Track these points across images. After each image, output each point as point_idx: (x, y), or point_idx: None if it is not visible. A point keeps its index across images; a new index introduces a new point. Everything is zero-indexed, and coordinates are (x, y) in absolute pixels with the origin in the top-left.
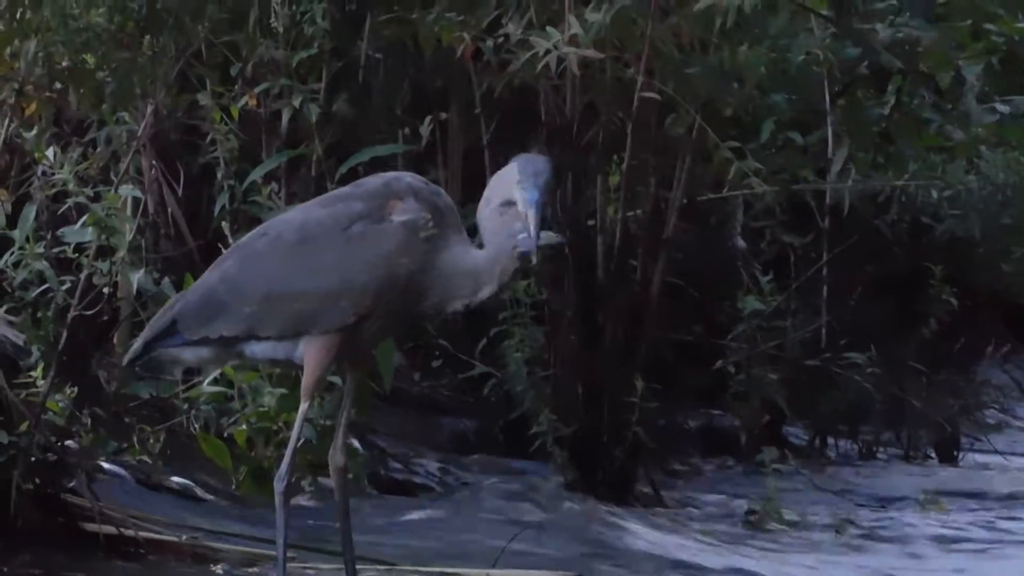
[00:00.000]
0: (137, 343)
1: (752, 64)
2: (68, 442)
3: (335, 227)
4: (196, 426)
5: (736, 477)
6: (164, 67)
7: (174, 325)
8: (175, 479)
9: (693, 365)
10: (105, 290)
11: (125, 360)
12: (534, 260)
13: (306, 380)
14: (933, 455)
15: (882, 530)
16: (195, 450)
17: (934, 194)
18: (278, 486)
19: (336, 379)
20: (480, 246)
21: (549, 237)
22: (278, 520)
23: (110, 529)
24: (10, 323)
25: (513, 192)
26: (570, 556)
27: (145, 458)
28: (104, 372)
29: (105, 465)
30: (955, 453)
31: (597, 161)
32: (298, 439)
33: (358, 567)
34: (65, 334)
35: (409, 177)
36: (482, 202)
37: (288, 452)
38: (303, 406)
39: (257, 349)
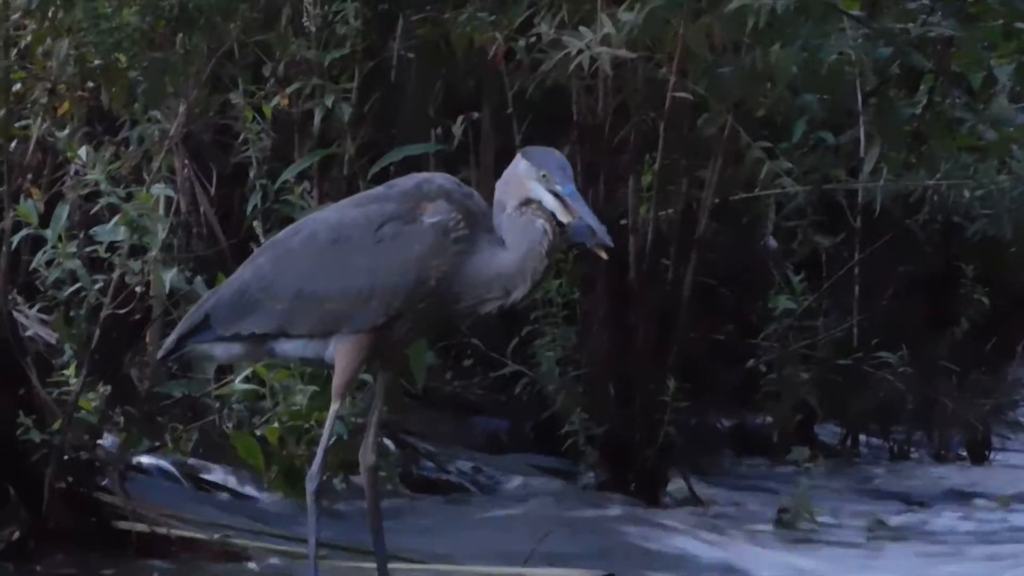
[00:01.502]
0: (170, 338)
1: (784, 64)
2: (100, 441)
3: (368, 227)
4: (228, 425)
5: (768, 476)
6: (196, 66)
7: (207, 320)
8: (207, 477)
9: (725, 365)
10: (137, 289)
11: (159, 355)
12: (608, 246)
13: (337, 380)
14: (965, 455)
15: (914, 529)
16: (227, 449)
17: (966, 194)
18: (310, 485)
19: (368, 377)
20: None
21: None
22: (310, 519)
23: (142, 528)
24: (43, 322)
25: (532, 190)
26: (601, 555)
27: (178, 456)
28: (136, 371)
29: (142, 462)
30: (987, 453)
31: (629, 161)
32: (329, 438)
33: (390, 566)
34: (97, 333)
35: (441, 178)
36: (495, 207)
37: (319, 451)
38: (334, 406)
39: (288, 347)
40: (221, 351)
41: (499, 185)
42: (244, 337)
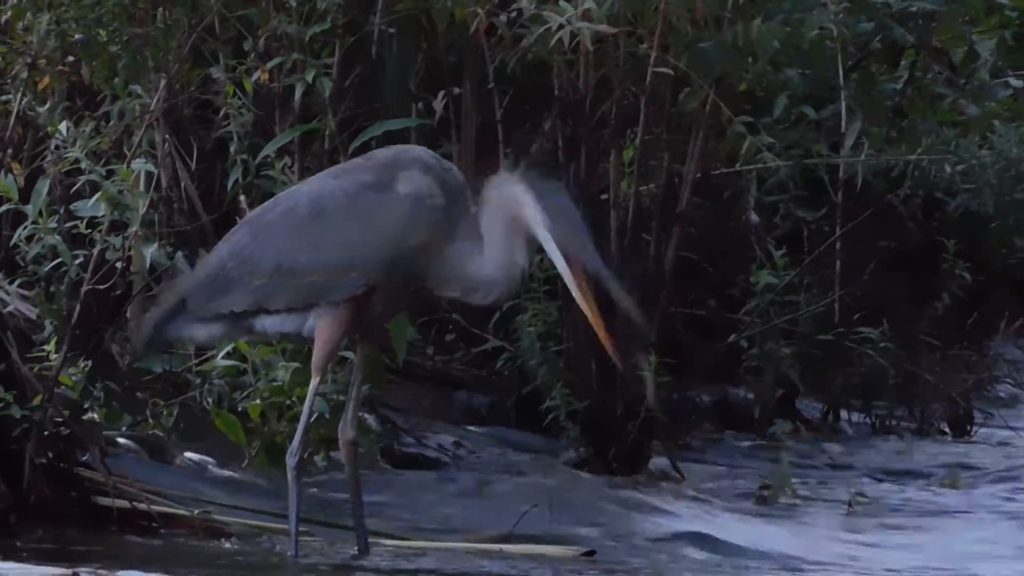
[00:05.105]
0: (147, 326)
1: (766, 39)
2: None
3: (344, 198)
4: (209, 400)
5: (749, 452)
6: (177, 41)
7: (183, 304)
8: (188, 454)
9: (707, 340)
10: (118, 265)
11: (138, 344)
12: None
13: (316, 355)
14: (946, 430)
15: (895, 504)
16: (208, 424)
17: (947, 169)
18: (290, 461)
19: (350, 353)
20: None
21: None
22: (290, 495)
23: (123, 503)
24: (23, 297)
25: (539, 234)
26: (583, 531)
27: (158, 432)
28: (117, 346)
29: (119, 439)
30: (968, 428)
31: (610, 136)
32: (310, 414)
33: (371, 541)
34: (78, 308)
35: (419, 150)
36: (484, 204)
37: (300, 428)
38: (314, 381)
39: (267, 323)
40: (201, 331)
41: (497, 186)
42: (223, 316)
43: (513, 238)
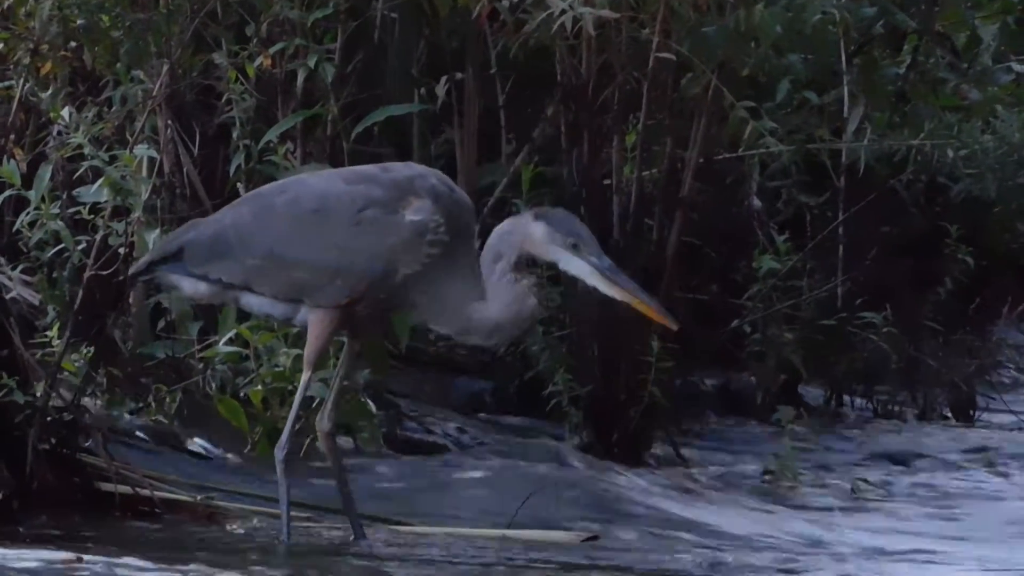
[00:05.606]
0: (143, 259)
1: (768, 24)
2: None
3: (350, 207)
4: (212, 386)
5: (752, 437)
6: (179, 26)
7: (180, 253)
8: (191, 439)
9: (709, 325)
10: (121, 250)
11: (129, 272)
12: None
13: (308, 349)
14: (949, 415)
15: (898, 489)
16: (211, 410)
17: (950, 154)
18: (278, 454)
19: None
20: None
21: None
22: (280, 486)
23: (126, 489)
24: (26, 283)
25: (552, 253)
26: (585, 517)
27: (161, 418)
28: (120, 332)
29: (122, 425)
30: (971, 413)
31: (613, 121)
32: (299, 407)
33: (373, 526)
34: (81, 294)
35: (435, 179)
36: (488, 253)
37: (289, 420)
38: (304, 375)
39: (254, 302)
40: (188, 285)
41: (499, 234)
42: (212, 280)
43: (521, 281)
